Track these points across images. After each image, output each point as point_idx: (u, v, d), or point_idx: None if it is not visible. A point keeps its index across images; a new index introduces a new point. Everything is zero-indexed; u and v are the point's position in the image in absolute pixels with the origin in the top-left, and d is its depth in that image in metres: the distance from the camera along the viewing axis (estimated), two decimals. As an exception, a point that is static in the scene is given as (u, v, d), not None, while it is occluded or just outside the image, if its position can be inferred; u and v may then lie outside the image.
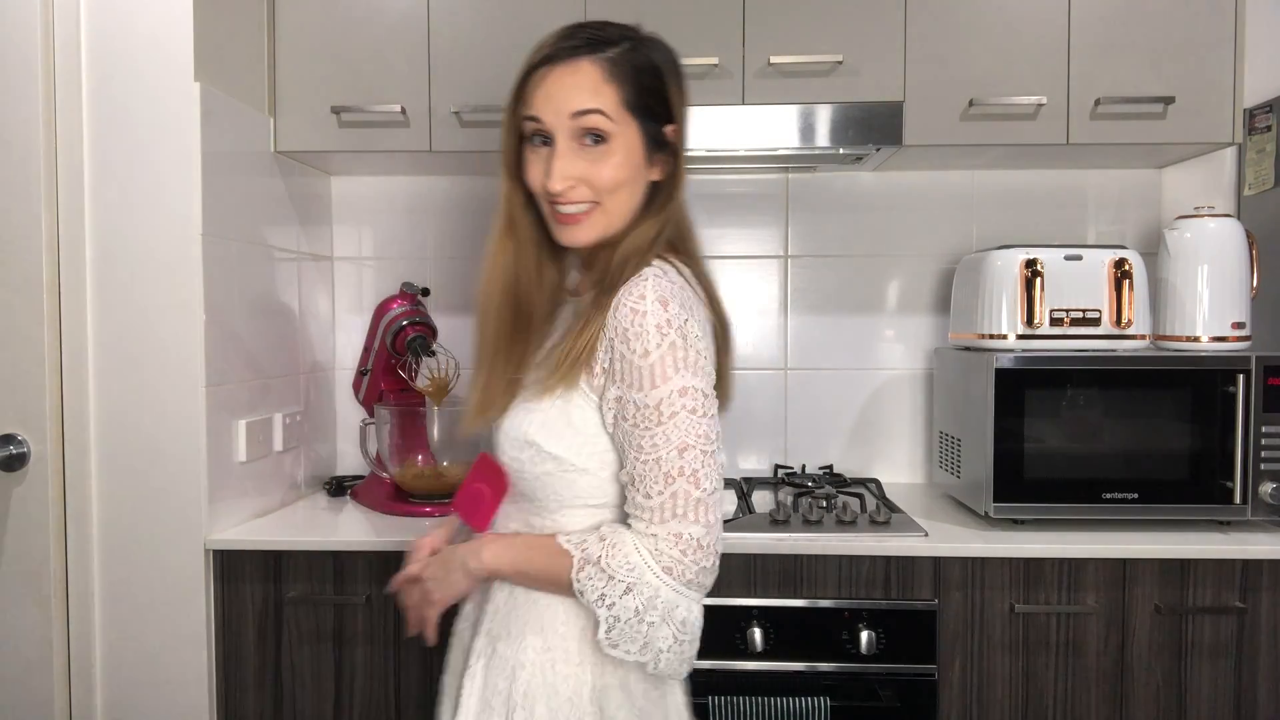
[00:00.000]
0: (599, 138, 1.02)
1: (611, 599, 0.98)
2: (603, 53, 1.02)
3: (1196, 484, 1.66)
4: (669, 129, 1.07)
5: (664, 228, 1.07)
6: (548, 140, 1.04)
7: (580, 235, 1.06)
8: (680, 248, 1.11)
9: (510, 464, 1.08)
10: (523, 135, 1.07)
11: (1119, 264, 1.74)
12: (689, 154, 1.36)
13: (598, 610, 0.98)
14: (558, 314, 1.14)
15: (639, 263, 1.03)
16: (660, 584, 0.97)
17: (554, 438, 1.04)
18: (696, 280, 1.10)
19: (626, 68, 1.02)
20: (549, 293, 1.13)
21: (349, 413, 2.19)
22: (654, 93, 1.05)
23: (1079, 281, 1.74)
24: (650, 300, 0.98)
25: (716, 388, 1.05)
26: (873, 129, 1.78)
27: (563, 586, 1.01)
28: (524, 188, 1.08)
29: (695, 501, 0.98)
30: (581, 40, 1.03)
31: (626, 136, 1.03)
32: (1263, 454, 1.64)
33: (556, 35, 1.05)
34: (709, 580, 1.00)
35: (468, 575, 1.08)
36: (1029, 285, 1.74)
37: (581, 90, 1.01)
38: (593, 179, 1.02)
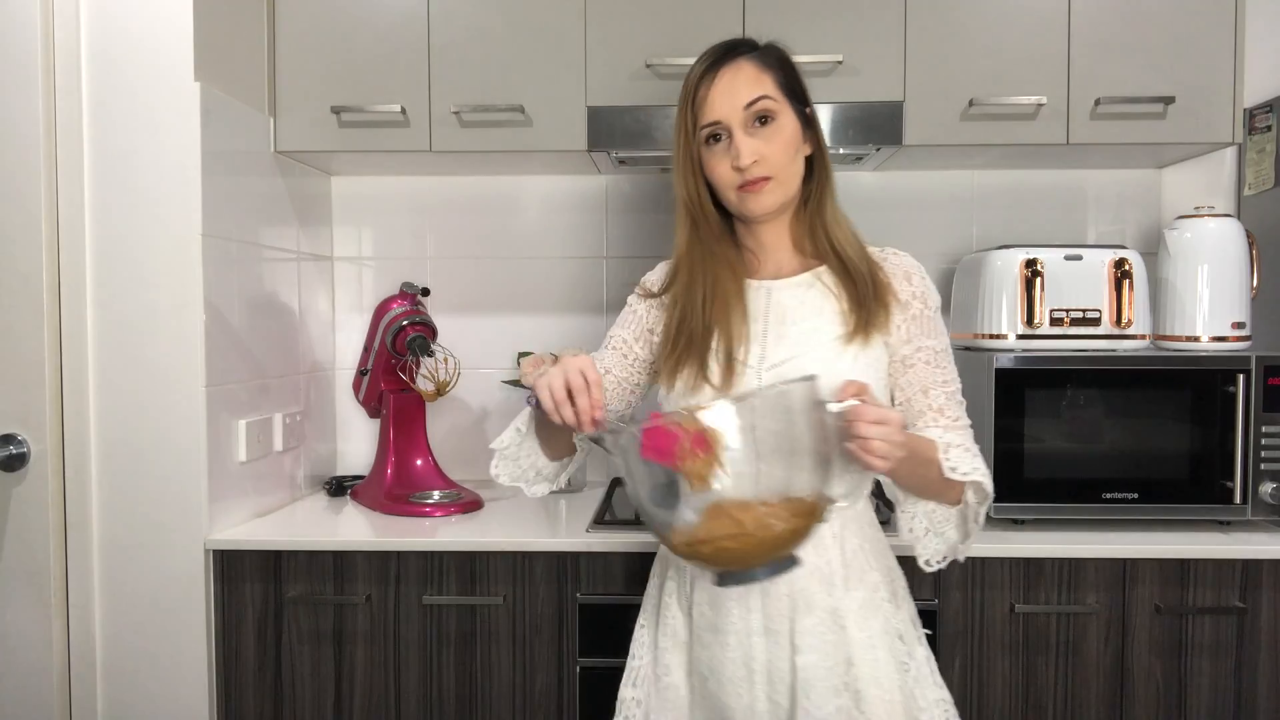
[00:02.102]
0: (765, 119, 1.17)
1: (982, 468, 1.14)
2: (753, 51, 1.20)
3: (1196, 484, 1.66)
4: (809, 110, 1.22)
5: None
6: (720, 138, 1.18)
7: (764, 202, 1.19)
8: None
9: None
10: (696, 142, 1.21)
11: (1119, 264, 1.74)
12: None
13: (978, 477, 1.13)
14: (745, 291, 1.24)
15: (857, 238, 1.26)
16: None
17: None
18: None
19: (774, 59, 1.20)
20: (737, 275, 1.25)
21: (349, 413, 2.19)
22: (796, 79, 1.21)
23: (1079, 281, 1.74)
24: (922, 269, 1.24)
25: None
26: (873, 129, 1.78)
27: (935, 465, 1.12)
28: (707, 185, 1.23)
29: (968, 423, 1.21)
30: (731, 49, 1.20)
31: (787, 115, 1.18)
32: (1263, 454, 1.64)
33: (709, 52, 1.21)
34: None
35: (896, 445, 1.03)
36: (1029, 285, 1.74)
37: (748, 83, 1.17)
38: (767, 154, 1.16)
